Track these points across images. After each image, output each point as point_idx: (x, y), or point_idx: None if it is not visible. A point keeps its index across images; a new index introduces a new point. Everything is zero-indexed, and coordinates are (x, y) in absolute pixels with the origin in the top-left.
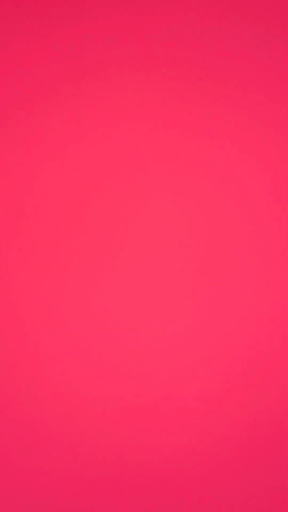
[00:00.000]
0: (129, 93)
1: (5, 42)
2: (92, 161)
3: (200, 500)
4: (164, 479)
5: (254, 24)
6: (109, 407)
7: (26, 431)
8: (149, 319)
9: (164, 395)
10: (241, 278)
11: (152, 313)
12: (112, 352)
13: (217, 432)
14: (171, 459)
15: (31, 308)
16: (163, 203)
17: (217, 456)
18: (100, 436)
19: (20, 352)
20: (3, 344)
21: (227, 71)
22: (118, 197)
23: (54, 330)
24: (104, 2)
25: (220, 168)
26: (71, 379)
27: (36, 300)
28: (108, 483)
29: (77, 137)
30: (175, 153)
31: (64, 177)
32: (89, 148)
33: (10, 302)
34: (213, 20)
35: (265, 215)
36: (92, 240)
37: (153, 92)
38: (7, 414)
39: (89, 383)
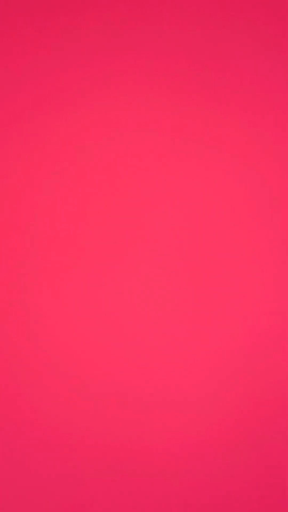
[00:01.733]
0: (130, 101)
1: (5, 49)
2: (93, 168)
3: (199, 492)
4: (162, 473)
5: (254, 33)
6: (109, 401)
7: (26, 425)
8: (149, 316)
9: (163, 390)
10: (240, 277)
11: (152, 311)
12: (112, 347)
13: (216, 425)
14: (170, 453)
15: (39, 307)
16: (164, 207)
17: (216, 449)
18: (99, 431)
19: (21, 345)
20: (6, 338)
21: (228, 78)
22: (120, 200)
23: (55, 329)
24: (105, 12)
25: (220, 174)
26: (71, 374)
27: (38, 298)
28: (107, 475)
29: (78, 144)
30: (176, 159)
31: (64, 180)
32: (91, 155)
33: (21, 305)
34: (214, 29)
35: (264, 219)
36: (94, 242)
37: (154, 100)
38: (7, 408)
39: (89, 377)
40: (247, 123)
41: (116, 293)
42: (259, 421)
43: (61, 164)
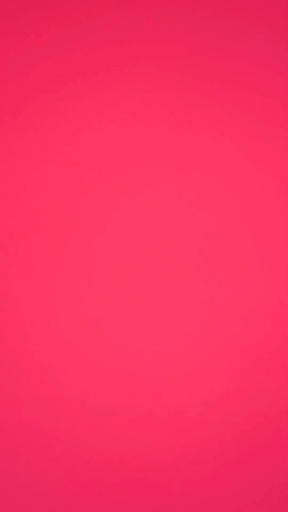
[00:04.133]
0: (130, 92)
1: (5, 45)
2: (92, 161)
3: (200, 502)
4: (163, 483)
5: (255, 23)
6: (109, 408)
7: (26, 435)
8: (149, 322)
9: (163, 397)
10: (241, 278)
11: (152, 315)
12: (112, 354)
13: (217, 435)
14: (171, 462)
15: (31, 312)
16: (164, 202)
17: (216, 458)
18: (99, 439)
19: (20, 356)
20: (3, 348)
21: (229, 70)
22: (119, 194)
23: (54, 335)
24: (105, 4)
25: (221, 168)
26: (71, 380)
27: (35, 304)
28: (108, 486)
29: (77, 136)
30: (176, 152)
31: (64, 175)
32: (89, 147)
33: (10, 306)
34: (214, 18)
35: (267, 214)
36: (93, 243)
37: (154, 91)
38: (7, 419)
39: (89, 386)
40: (248, 115)
41: (114, 300)
42: (261, 431)
43: (59, 161)
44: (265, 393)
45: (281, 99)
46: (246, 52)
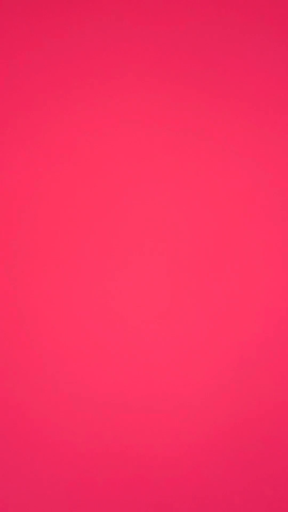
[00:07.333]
0: (129, 97)
1: (5, 47)
2: (93, 165)
3: (199, 497)
4: (163, 477)
5: (254, 27)
6: (109, 404)
7: (27, 428)
8: (150, 318)
9: (163, 393)
10: (241, 277)
11: (152, 313)
12: (112, 350)
13: (216, 430)
14: (170, 456)
15: (34, 307)
16: (164, 204)
17: (216, 453)
18: (99, 433)
19: (22, 352)
20: (6, 343)
21: (228, 75)
22: (119, 198)
23: (55, 331)
24: (105, 9)
25: (220, 172)
26: (72, 374)
27: (39, 300)
28: (107, 479)
29: (78, 141)
30: (176, 157)
31: (65, 180)
32: (90, 152)
33: (14, 302)
34: (213, 23)
35: (266, 217)
36: (94, 241)
37: (154, 96)
38: (8, 413)
39: (89, 380)
40: (249, 116)
41: (115, 297)
42: (261, 426)
43: (58, 159)
44: (264, 388)
45: (281, 107)
46: (246, 59)
